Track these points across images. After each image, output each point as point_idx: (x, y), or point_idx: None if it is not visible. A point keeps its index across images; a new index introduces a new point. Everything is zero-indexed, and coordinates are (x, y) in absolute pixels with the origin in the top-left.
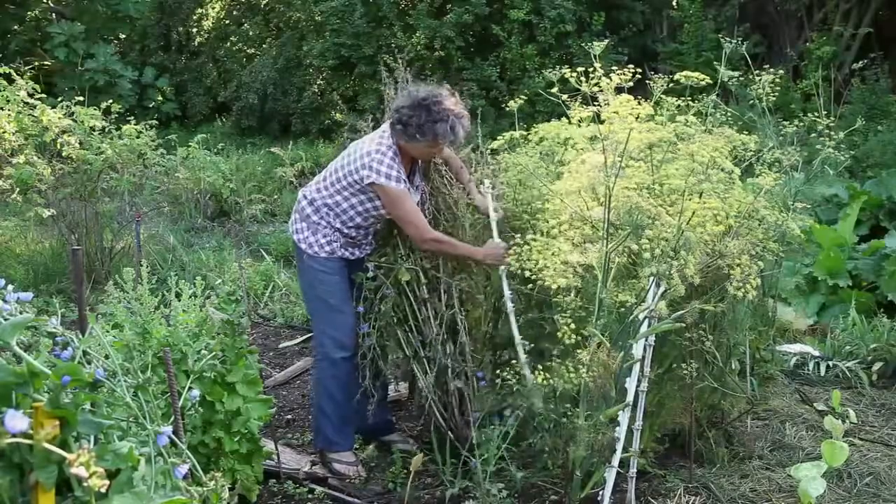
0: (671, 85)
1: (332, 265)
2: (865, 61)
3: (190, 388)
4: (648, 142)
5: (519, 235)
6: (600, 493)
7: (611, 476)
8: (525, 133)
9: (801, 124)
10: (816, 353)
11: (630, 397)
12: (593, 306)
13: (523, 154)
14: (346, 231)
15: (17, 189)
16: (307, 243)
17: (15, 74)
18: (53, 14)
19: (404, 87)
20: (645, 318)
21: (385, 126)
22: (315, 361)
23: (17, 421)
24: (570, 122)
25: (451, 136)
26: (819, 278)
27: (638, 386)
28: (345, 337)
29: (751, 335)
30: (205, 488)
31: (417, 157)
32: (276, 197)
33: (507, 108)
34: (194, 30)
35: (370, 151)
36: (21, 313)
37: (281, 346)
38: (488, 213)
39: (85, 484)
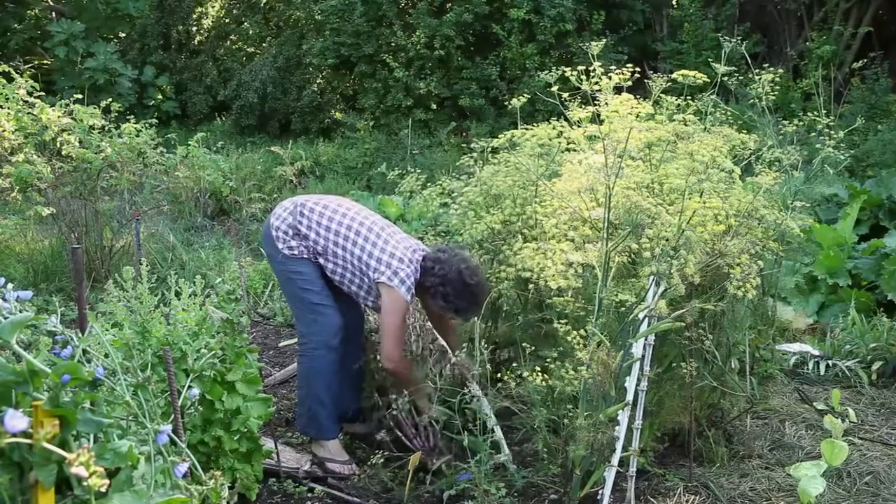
0: (670, 84)
1: (308, 261)
2: (865, 61)
3: (189, 386)
4: (647, 141)
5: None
6: (600, 492)
7: (610, 475)
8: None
9: (801, 123)
10: (816, 353)
11: (630, 396)
12: (593, 306)
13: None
14: (321, 265)
15: (17, 188)
16: (287, 245)
17: (14, 73)
18: (53, 12)
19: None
20: (645, 317)
21: (416, 247)
22: (307, 351)
23: (16, 420)
24: (568, 123)
25: (472, 315)
26: (819, 277)
27: (637, 385)
28: (336, 323)
29: (750, 334)
30: (204, 487)
31: (430, 307)
32: (275, 196)
33: (509, 107)
34: (194, 28)
35: (401, 258)
36: (21, 312)
37: (280, 344)
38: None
39: (85, 483)
